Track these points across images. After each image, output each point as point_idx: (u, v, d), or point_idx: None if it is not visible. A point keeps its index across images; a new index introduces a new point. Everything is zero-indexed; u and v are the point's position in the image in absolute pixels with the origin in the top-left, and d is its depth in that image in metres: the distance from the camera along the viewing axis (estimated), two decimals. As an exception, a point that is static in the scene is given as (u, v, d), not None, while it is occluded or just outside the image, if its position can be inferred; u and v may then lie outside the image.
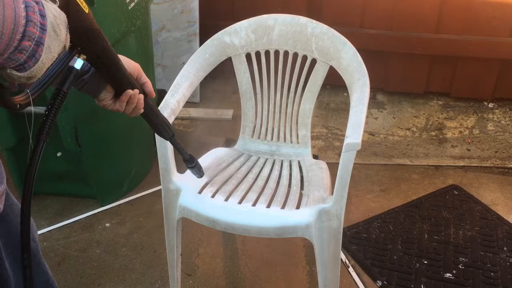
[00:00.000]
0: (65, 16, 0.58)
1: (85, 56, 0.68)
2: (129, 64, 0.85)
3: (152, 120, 0.99)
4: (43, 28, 0.52)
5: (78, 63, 0.68)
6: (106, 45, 0.71)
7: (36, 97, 0.62)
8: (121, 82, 0.81)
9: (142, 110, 0.90)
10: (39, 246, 1.02)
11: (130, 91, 0.82)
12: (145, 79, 0.89)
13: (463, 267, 1.80)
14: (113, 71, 0.77)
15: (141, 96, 0.86)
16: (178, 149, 1.13)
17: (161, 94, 2.35)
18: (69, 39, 0.59)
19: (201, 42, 2.73)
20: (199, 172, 1.24)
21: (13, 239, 0.91)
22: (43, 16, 0.52)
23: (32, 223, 0.95)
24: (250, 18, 1.62)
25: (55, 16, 0.55)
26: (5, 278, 0.89)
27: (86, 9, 0.63)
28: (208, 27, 2.54)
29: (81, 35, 0.64)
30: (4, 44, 0.49)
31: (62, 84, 0.67)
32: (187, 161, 1.19)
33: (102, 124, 1.96)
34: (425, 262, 1.83)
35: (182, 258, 1.60)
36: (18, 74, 0.53)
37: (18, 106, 0.60)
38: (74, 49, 0.64)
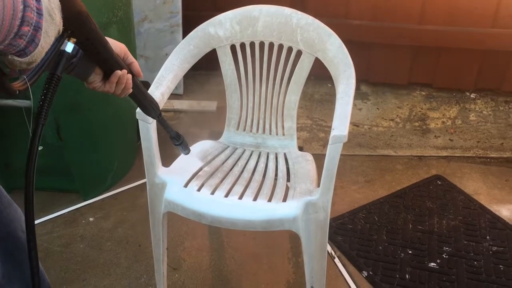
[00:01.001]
0: (58, 0, 0.59)
1: (75, 39, 0.69)
2: (116, 45, 0.86)
3: (140, 100, 1.02)
4: (39, 13, 0.54)
5: (69, 47, 0.70)
6: (95, 28, 0.72)
7: (33, 82, 0.64)
8: (109, 63, 0.82)
9: (131, 90, 0.92)
10: None
11: (119, 72, 0.84)
12: (131, 59, 0.91)
13: (447, 257, 1.83)
14: (101, 53, 0.78)
15: (130, 76, 0.88)
16: (165, 127, 1.19)
17: (144, 86, 2.32)
18: (62, 23, 0.60)
19: (184, 33, 2.71)
20: (186, 149, 1.30)
21: (2, 230, 0.89)
22: (38, 1, 0.54)
23: (20, 214, 0.96)
24: (235, 9, 1.60)
25: (49, 1, 0.56)
26: None
27: None
28: (191, 17, 2.51)
29: (71, 19, 0.65)
30: (5, 30, 0.50)
31: (55, 68, 0.69)
32: (174, 138, 1.25)
33: (84, 118, 1.93)
34: (410, 252, 1.85)
35: (167, 251, 1.59)
36: (20, 59, 0.55)
37: (17, 92, 0.63)
38: (64, 33, 0.65)
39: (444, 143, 2.56)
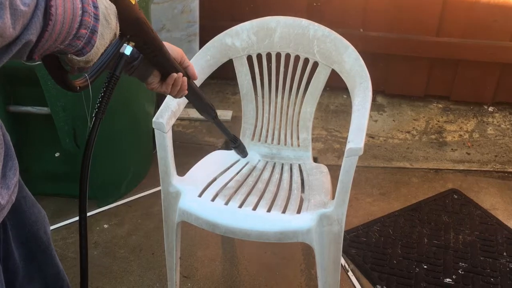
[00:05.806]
0: (115, 7, 0.65)
1: (133, 43, 0.75)
2: (173, 50, 0.91)
3: (196, 101, 1.07)
4: (96, 18, 0.60)
5: (128, 50, 0.75)
6: (152, 33, 0.77)
7: (93, 80, 0.71)
8: (166, 66, 0.87)
9: (186, 92, 0.96)
10: (51, 239, 1.02)
11: (174, 74, 0.89)
12: (187, 63, 0.95)
13: (462, 272, 1.79)
14: (158, 56, 0.83)
15: (185, 78, 0.92)
16: (221, 129, 1.24)
17: (161, 95, 2.34)
18: (118, 28, 0.66)
19: (201, 42, 2.73)
20: (242, 152, 1.39)
21: (25, 231, 0.92)
22: (95, 7, 0.60)
23: (44, 216, 0.98)
24: (252, 20, 1.61)
25: (106, 7, 0.62)
26: (13, 269, 0.89)
27: (133, 0, 0.70)
28: (208, 27, 2.53)
29: (130, 24, 0.70)
30: (65, 32, 0.56)
31: (114, 69, 0.75)
32: (231, 141, 1.33)
33: (101, 125, 1.95)
34: (425, 266, 1.82)
35: (180, 260, 1.59)
36: (78, 58, 0.61)
37: (78, 88, 0.69)
38: (123, 37, 0.71)
39: (461, 156, 2.53)
